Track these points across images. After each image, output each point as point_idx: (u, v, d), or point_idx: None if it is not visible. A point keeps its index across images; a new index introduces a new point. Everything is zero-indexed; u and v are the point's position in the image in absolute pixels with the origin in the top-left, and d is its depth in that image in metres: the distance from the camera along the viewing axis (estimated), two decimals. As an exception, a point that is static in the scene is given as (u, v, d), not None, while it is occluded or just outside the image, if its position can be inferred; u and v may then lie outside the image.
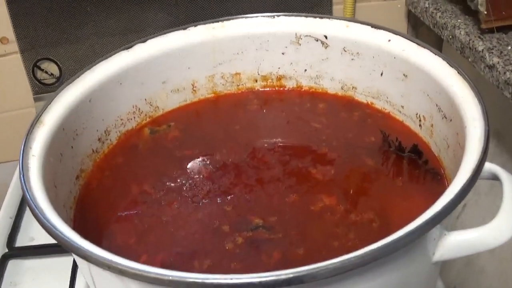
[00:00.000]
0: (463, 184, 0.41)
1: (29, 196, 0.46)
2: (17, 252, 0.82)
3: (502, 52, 0.77)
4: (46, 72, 1.03)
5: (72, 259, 0.76)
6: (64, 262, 0.78)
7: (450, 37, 0.87)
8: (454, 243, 0.46)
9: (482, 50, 0.79)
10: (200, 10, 1.00)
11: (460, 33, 0.84)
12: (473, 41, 0.81)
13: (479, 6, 0.80)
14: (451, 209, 0.40)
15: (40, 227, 0.84)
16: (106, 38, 1.00)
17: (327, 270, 0.35)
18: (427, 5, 0.94)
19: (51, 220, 0.44)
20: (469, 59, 0.82)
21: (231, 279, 0.35)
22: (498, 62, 0.75)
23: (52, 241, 0.79)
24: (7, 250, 0.82)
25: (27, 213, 0.89)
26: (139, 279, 0.37)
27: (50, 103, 0.57)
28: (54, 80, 1.03)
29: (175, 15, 1.00)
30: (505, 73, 0.74)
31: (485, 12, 0.80)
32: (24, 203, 0.90)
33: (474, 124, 0.48)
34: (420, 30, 1.09)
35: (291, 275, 0.35)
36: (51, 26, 1.00)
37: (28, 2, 0.98)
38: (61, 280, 0.75)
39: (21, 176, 0.48)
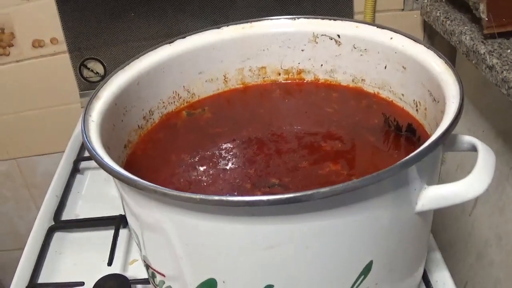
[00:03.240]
0: (434, 139, 0.54)
1: (91, 147, 0.59)
2: (62, 224, 0.94)
3: (501, 55, 0.90)
4: (92, 71, 1.16)
5: (112, 232, 0.88)
6: (105, 236, 0.90)
7: (457, 42, 1.00)
8: (433, 195, 0.57)
9: (484, 53, 0.92)
10: (232, 15, 1.14)
11: (465, 38, 0.97)
12: (476, 45, 0.94)
13: (481, 14, 0.93)
14: (422, 156, 0.52)
15: (83, 205, 0.98)
16: (148, 41, 1.13)
17: (320, 193, 0.49)
18: (438, 14, 1.08)
19: (110, 164, 0.56)
20: (473, 62, 0.95)
21: (246, 197, 0.49)
22: (497, 63, 0.88)
23: (94, 215, 0.94)
24: (53, 223, 0.94)
25: (72, 194, 1.01)
26: (177, 199, 0.51)
27: (105, 83, 0.70)
28: (99, 78, 1.16)
29: (210, 21, 1.14)
30: (502, 72, 0.86)
31: (486, 19, 0.93)
32: (70, 184, 1.03)
33: (452, 100, 0.60)
34: (436, 39, 1.21)
35: (291, 195, 0.48)
36: (98, 29, 1.12)
37: (78, 6, 1.11)
38: (101, 251, 0.87)
39: (84, 133, 0.61)
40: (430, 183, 0.59)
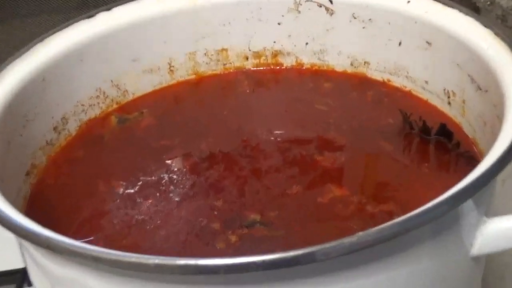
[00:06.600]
0: (501, 153, 0.45)
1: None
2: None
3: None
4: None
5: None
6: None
7: (488, 3, 0.92)
8: (497, 231, 0.48)
9: (528, 17, 0.84)
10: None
11: (501, -1, 0.90)
12: (518, 8, 0.87)
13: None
14: (486, 181, 0.43)
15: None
16: (55, 15, 1.05)
17: (343, 246, 0.38)
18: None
19: (5, 210, 0.47)
20: (512, 28, 0.88)
21: (230, 259, 0.38)
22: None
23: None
24: None
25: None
26: (118, 265, 0.40)
27: (-7, 80, 0.61)
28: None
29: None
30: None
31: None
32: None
33: (518, 89, 0.52)
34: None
35: (301, 252, 0.38)
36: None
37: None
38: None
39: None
40: (489, 214, 0.50)
